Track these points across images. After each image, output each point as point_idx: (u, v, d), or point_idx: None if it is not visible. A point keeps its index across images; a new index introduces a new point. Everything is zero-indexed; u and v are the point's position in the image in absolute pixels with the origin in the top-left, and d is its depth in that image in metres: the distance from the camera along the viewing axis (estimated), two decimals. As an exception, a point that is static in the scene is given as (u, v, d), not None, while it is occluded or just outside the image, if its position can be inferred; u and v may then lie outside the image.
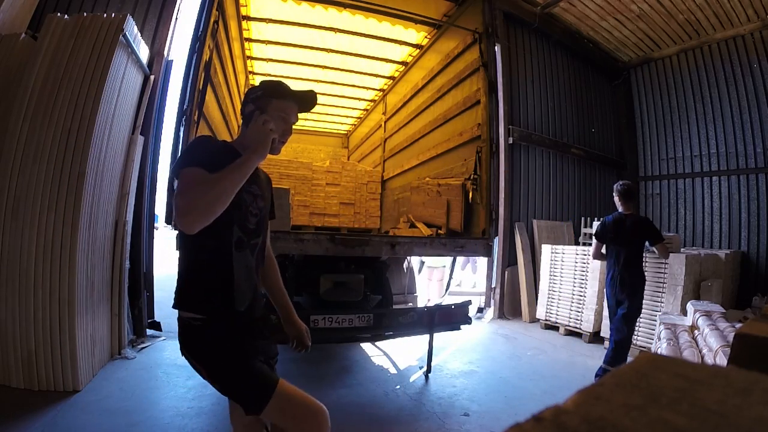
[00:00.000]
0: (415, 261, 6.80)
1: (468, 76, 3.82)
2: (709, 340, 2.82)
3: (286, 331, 1.68)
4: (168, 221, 2.72)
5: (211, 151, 1.32)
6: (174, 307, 1.38)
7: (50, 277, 2.82)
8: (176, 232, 1.47)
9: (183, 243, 1.39)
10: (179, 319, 1.37)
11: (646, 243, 3.64)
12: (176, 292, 1.38)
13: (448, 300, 3.53)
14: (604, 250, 3.79)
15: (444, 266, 6.65)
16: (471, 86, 3.76)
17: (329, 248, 2.84)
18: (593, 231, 5.06)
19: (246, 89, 5.96)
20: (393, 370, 3.82)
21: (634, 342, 4.51)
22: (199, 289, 1.36)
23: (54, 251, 2.84)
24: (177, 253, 2.47)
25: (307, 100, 1.50)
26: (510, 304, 6.17)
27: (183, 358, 1.39)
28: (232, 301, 1.36)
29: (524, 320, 6.01)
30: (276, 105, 1.42)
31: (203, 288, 1.36)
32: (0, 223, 2.80)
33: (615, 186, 3.63)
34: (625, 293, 3.50)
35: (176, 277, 1.41)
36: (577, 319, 5.11)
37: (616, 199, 3.61)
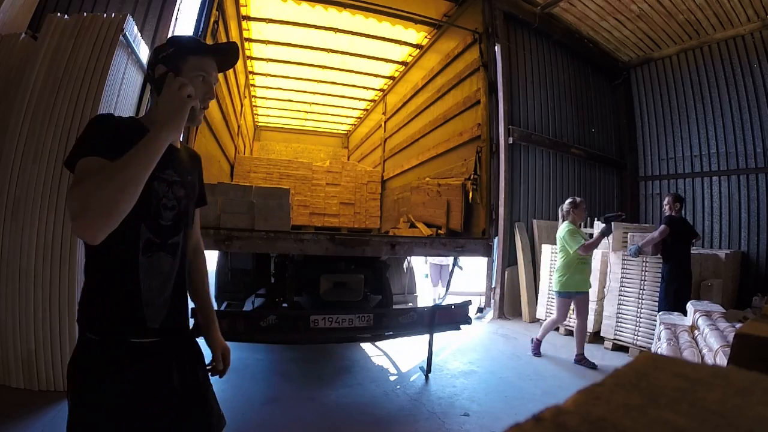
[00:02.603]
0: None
1: (468, 76, 3.81)
2: (709, 340, 2.82)
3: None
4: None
5: (112, 133, 1.02)
6: (77, 321, 1.10)
7: (50, 277, 2.82)
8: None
9: (85, 251, 1.09)
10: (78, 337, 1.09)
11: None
12: (78, 308, 1.11)
13: (448, 300, 3.53)
14: None
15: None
16: (471, 86, 3.76)
17: (329, 248, 2.84)
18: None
19: (246, 89, 5.98)
20: (393, 370, 3.82)
21: (634, 342, 4.52)
22: (101, 306, 1.07)
23: (54, 251, 2.84)
24: None
25: (229, 55, 1.25)
26: (510, 304, 6.17)
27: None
28: (142, 318, 1.09)
29: (524, 320, 6.00)
30: (193, 63, 1.15)
31: (106, 304, 1.07)
32: (0, 223, 2.80)
33: (673, 194, 4.45)
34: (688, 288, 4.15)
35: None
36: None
37: (676, 204, 4.34)
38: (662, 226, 4.24)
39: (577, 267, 4.05)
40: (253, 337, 2.87)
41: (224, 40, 3.74)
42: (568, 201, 4.26)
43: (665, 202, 4.49)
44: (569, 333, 5.21)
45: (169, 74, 1.09)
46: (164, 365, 1.13)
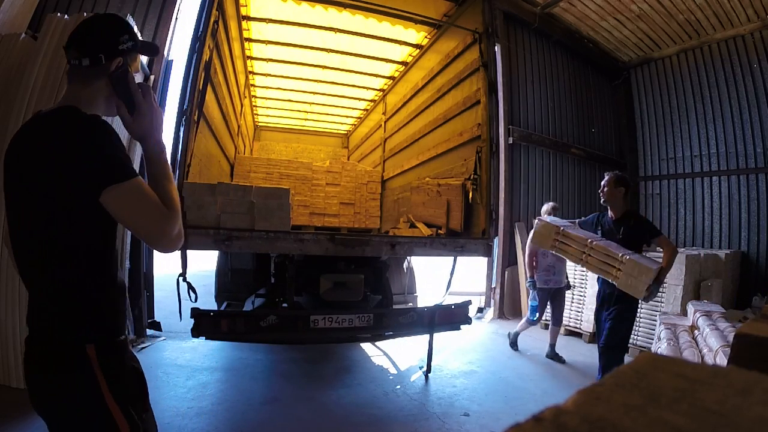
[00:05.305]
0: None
1: (468, 76, 3.81)
2: (709, 340, 2.83)
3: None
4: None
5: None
6: (94, 338, 1.05)
7: (50, 277, 2.82)
8: (50, 245, 1.03)
9: (82, 254, 1.04)
10: (93, 348, 1.04)
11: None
12: (88, 320, 1.05)
13: (449, 300, 3.53)
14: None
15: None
16: (471, 86, 3.76)
17: (329, 248, 2.84)
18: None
19: (246, 89, 5.97)
20: (393, 370, 3.82)
21: (634, 342, 4.51)
22: (121, 305, 1.15)
23: (54, 251, 2.84)
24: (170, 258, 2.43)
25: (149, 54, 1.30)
26: (510, 304, 6.17)
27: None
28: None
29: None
30: (137, 63, 1.18)
31: (121, 303, 1.16)
32: (0, 223, 2.80)
33: (615, 175, 3.06)
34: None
35: (67, 303, 1.05)
36: (577, 319, 5.11)
37: (620, 189, 3.01)
38: (663, 237, 2.97)
39: None
40: (253, 337, 2.87)
41: (224, 40, 3.74)
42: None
43: (617, 188, 2.99)
44: (569, 333, 5.21)
45: (127, 71, 1.10)
46: None
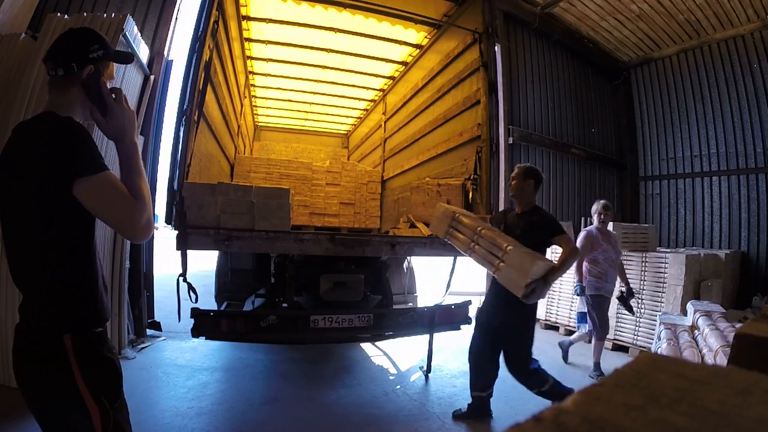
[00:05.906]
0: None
1: (468, 76, 3.82)
2: (709, 340, 2.83)
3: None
4: (168, 221, 2.72)
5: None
6: (71, 329, 1.13)
7: (50, 277, 2.81)
8: (47, 240, 1.12)
9: (65, 252, 1.13)
10: (70, 338, 1.12)
11: None
12: (68, 312, 1.14)
13: (448, 300, 3.53)
14: None
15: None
16: (471, 86, 3.76)
17: (329, 248, 2.84)
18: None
19: (246, 89, 5.96)
20: (393, 370, 3.82)
21: (634, 342, 4.50)
22: (98, 297, 1.20)
23: (54, 251, 2.84)
24: (172, 257, 2.42)
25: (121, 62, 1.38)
26: (510, 304, 6.16)
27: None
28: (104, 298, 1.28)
29: (524, 320, 5.99)
30: (110, 70, 1.26)
31: (101, 294, 1.21)
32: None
33: (526, 167, 2.79)
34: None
35: (65, 300, 1.14)
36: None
37: (529, 181, 2.74)
38: (566, 237, 2.71)
39: None
40: (253, 337, 2.87)
41: (224, 40, 3.74)
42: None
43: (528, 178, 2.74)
44: (569, 333, 5.20)
45: (100, 78, 1.18)
46: None
